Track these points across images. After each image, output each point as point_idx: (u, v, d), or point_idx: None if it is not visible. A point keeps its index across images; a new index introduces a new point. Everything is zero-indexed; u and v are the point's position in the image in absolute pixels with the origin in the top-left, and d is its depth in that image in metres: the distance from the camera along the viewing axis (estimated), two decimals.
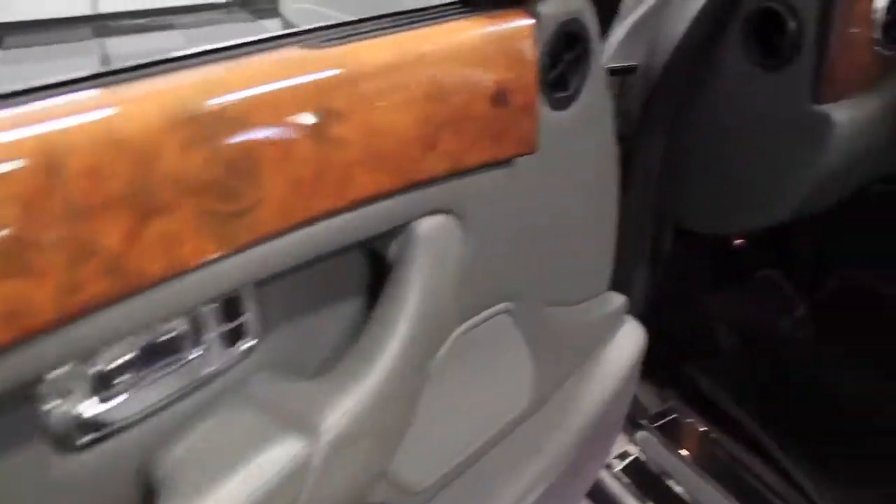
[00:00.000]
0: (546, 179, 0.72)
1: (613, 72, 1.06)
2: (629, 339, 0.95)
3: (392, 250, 0.60)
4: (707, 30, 1.03)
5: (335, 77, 0.49)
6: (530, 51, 0.62)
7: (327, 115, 0.49)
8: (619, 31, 1.05)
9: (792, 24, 0.95)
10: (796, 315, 1.58)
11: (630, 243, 1.15)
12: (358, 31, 0.54)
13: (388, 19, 0.57)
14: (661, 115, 1.09)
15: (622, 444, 1.31)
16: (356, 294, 0.65)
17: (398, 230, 0.59)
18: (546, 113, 0.67)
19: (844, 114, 0.97)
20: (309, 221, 0.50)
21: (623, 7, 1.02)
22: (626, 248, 1.03)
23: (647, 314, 1.17)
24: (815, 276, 1.61)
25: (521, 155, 0.65)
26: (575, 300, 0.84)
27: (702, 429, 1.31)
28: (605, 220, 0.85)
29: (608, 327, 0.92)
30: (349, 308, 0.65)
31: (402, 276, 0.59)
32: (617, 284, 0.92)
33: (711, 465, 1.24)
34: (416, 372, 0.63)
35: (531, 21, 0.62)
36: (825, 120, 0.97)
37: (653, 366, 1.18)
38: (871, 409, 1.33)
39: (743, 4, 1.01)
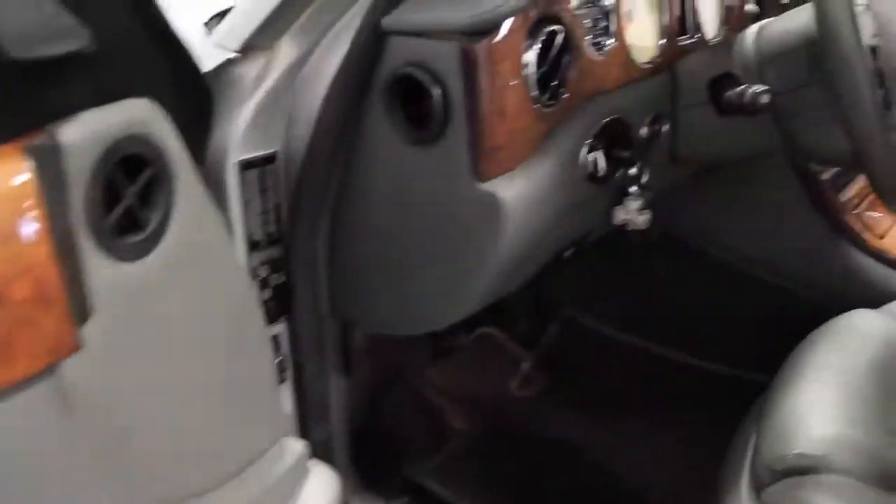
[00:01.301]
0: (131, 363, 0.58)
1: (247, 165, 0.87)
2: (317, 493, 0.80)
3: None
4: (346, 103, 0.86)
5: None
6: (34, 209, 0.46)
7: None
8: (244, 115, 0.86)
9: (436, 92, 0.79)
10: (523, 371, 1.50)
11: (308, 361, 0.98)
12: None
13: None
14: (314, 207, 0.91)
15: None
16: None
17: None
18: (111, 270, 0.54)
19: (513, 188, 0.83)
20: None
21: (241, 86, 0.85)
22: (306, 368, 0.97)
23: (357, 425, 1.07)
24: (535, 325, 1.55)
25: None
26: (238, 469, 0.72)
27: None
28: (248, 367, 0.73)
29: (288, 485, 0.78)
30: None
31: None
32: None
33: None
34: None
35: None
36: (491, 199, 0.82)
37: (376, 475, 1.09)
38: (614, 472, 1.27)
39: (380, 72, 0.84)
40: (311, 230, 0.93)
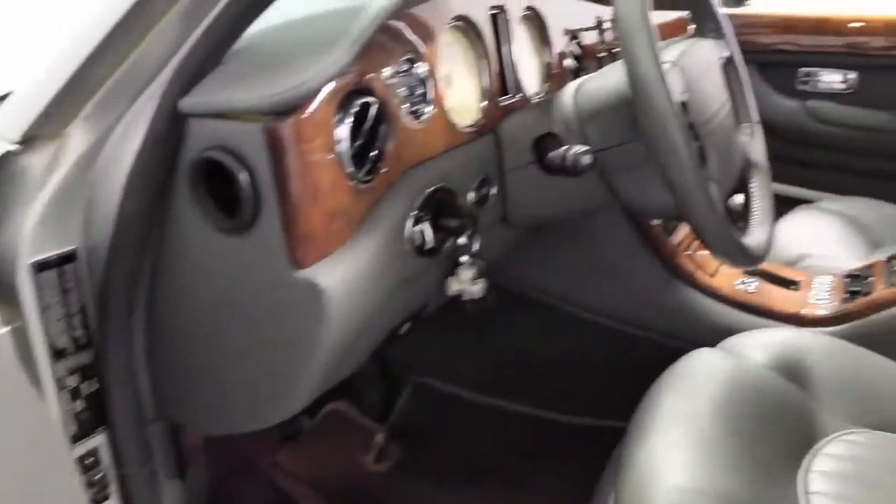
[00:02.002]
0: None
1: (42, 266, 0.78)
2: None
3: None
4: (148, 193, 0.78)
5: None
6: None
7: None
8: (33, 211, 0.77)
9: (243, 177, 0.73)
10: (376, 445, 1.44)
11: (135, 472, 0.88)
12: None
13: None
14: (124, 305, 0.82)
15: None
16: None
17: None
18: None
19: (335, 273, 0.77)
20: None
21: (27, 180, 0.77)
22: (133, 480, 0.89)
23: None
24: (385, 395, 1.50)
25: None
26: None
27: None
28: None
29: None
30: None
31: None
32: None
33: None
34: None
35: None
36: (311, 287, 0.76)
37: None
38: None
39: (183, 158, 0.78)
40: (123, 331, 0.84)
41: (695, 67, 0.98)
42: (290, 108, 0.73)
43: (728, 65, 1.15)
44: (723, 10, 2.08)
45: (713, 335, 1.16)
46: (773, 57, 2.21)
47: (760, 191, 1.12)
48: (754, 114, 1.19)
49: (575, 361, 1.41)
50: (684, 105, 0.90)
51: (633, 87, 0.82)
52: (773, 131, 2.17)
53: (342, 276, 0.78)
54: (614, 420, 1.05)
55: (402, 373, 1.50)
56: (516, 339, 1.41)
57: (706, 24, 1.15)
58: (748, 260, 0.96)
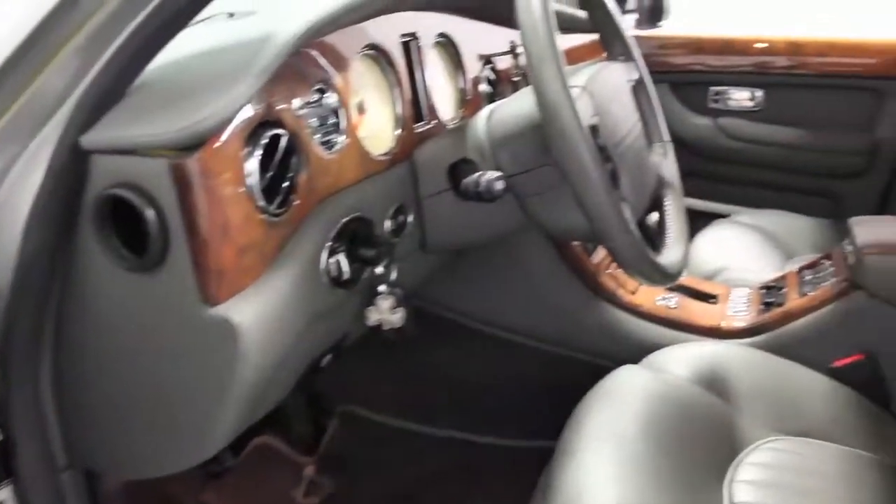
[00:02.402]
0: None
1: None
2: None
3: None
4: (51, 233, 0.75)
5: None
6: None
7: None
8: None
9: (150, 214, 0.71)
10: (306, 478, 1.41)
11: None
12: None
13: None
14: (30, 350, 0.79)
15: None
16: None
17: None
18: None
19: (249, 309, 0.76)
20: None
21: None
22: None
23: None
24: (313, 426, 1.47)
25: None
26: None
27: None
28: None
29: None
30: None
31: None
32: None
33: None
34: None
35: None
36: (225, 325, 0.74)
37: None
38: None
39: (87, 195, 0.75)
40: (29, 377, 0.81)
41: (604, 91, 1.00)
42: (196, 143, 0.71)
43: (638, 87, 1.17)
44: (637, 32, 2.16)
45: (637, 352, 1.18)
46: (686, 76, 2.27)
47: (674, 209, 1.15)
48: (665, 134, 1.22)
49: (501, 384, 1.41)
50: (595, 128, 0.91)
51: (542, 113, 0.83)
52: (688, 148, 2.24)
53: (256, 311, 0.77)
54: (542, 441, 1.05)
55: (329, 403, 1.47)
56: (442, 364, 1.40)
57: (615, 48, 1.18)
58: (664, 278, 0.97)
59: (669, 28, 2.25)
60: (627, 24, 2.11)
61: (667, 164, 1.19)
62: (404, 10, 1.04)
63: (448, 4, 1.13)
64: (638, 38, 2.23)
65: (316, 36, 0.82)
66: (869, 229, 1.28)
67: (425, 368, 1.40)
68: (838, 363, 1.22)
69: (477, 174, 0.94)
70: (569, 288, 1.33)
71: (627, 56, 1.17)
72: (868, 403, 1.15)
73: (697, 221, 1.96)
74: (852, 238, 1.26)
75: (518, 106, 0.98)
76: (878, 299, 1.20)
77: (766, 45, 2.18)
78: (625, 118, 1.04)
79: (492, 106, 1.04)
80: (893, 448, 1.06)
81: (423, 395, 1.46)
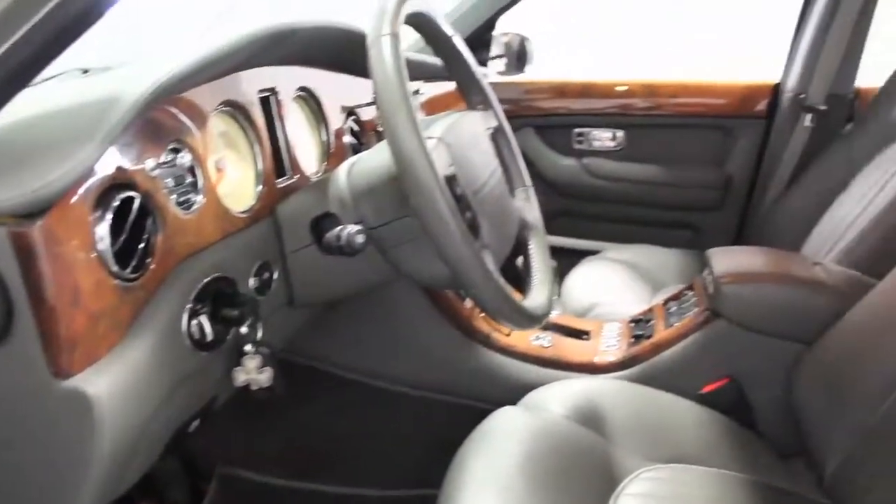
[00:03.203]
0: None
1: None
2: None
3: None
4: None
5: None
6: None
7: None
8: None
9: None
10: None
11: None
12: None
13: None
14: None
15: None
16: None
17: None
18: None
19: (105, 380, 0.72)
20: None
21: None
22: None
23: None
24: (191, 489, 1.40)
25: None
26: None
27: None
28: None
29: None
30: None
31: None
32: None
33: None
34: None
35: None
36: (78, 398, 0.70)
37: None
38: None
39: None
40: None
41: (461, 140, 1.02)
42: (39, 210, 0.68)
43: (497, 134, 1.20)
44: (503, 78, 2.23)
45: (515, 392, 1.19)
46: (551, 119, 2.36)
47: (538, 252, 1.17)
48: (527, 178, 1.25)
49: (383, 434, 1.39)
50: (453, 178, 0.93)
51: (397, 165, 0.84)
52: (556, 189, 2.32)
53: (113, 381, 0.73)
54: (427, 489, 1.04)
55: (207, 465, 1.41)
56: (321, 418, 1.37)
57: (473, 97, 1.20)
58: (530, 322, 0.99)
59: (534, 73, 2.33)
60: (494, 69, 2.19)
61: (529, 208, 1.22)
62: (259, 66, 1.03)
63: (304, 59, 1.13)
64: (504, 83, 2.31)
65: (166, 95, 0.80)
66: (724, 259, 1.35)
67: (304, 423, 1.36)
68: (706, 389, 1.27)
69: (338, 228, 0.93)
70: (443, 334, 1.33)
71: (486, 104, 1.19)
72: (736, 426, 1.21)
73: (569, 259, 2.02)
74: (710, 269, 1.33)
75: (377, 158, 0.98)
76: (737, 325, 1.26)
77: (624, 87, 2.29)
78: (484, 165, 1.06)
79: (353, 159, 1.03)
80: (762, 466, 1.11)
81: (303, 451, 1.42)
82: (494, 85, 2.30)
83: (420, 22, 1.01)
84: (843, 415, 1.03)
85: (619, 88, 2.30)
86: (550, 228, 2.37)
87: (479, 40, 2.18)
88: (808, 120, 2.07)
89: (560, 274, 1.91)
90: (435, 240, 0.84)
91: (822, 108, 2.05)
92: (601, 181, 2.33)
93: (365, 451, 1.40)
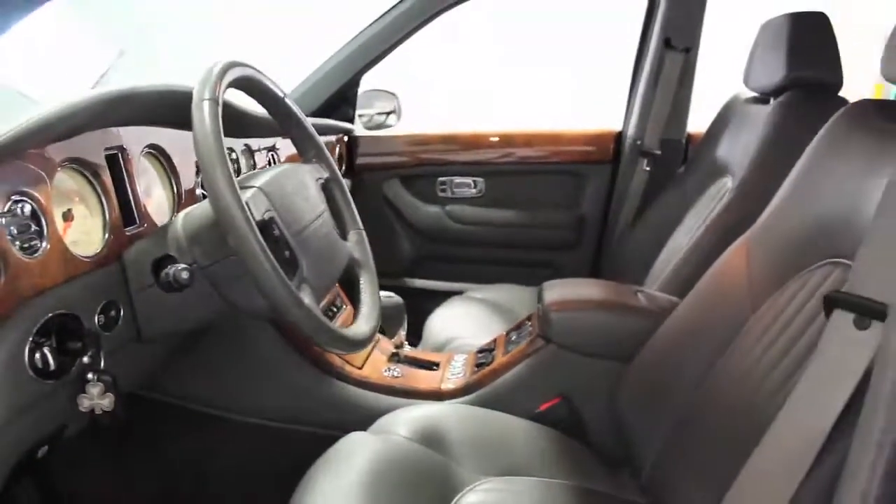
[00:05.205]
0: None
1: None
2: None
3: None
4: None
5: None
6: None
7: None
8: None
9: None
10: None
11: None
12: None
13: None
14: None
15: None
16: None
17: None
18: None
19: None
20: None
21: None
22: None
23: None
24: None
25: None
26: None
27: None
28: None
29: None
30: None
31: None
32: None
33: None
34: None
35: None
36: None
37: None
38: None
39: None
40: None
41: (285, 188, 1.13)
42: None
43: (330, 184, 1.32)
44: (371, 133, 2.36)
45: (366, 420, 1.28)
46: (416, 169, 2.50)
47: (367, 287, 1.28)
48: (358, 223, 1.36)
49: (243, 467, 1.45)
50: (271, 220, 1.05)
51: (214, 211, 0.94)
52: (422, 235, 2.45)
53: None
54: None
55: (67, 489, 1.43)
56: (182, 454, 1.42)
57: (308, 151, 1.32)
58: (349, 346, 1.10)
59: (400, 127, 2.47)
60: (360, 125, 2.33)
61: (362, 248, 1.33)
62: (104, 127, 1.10)
63: (149, 120, 1.21)
64: (371, 137, 2.44)
65: (7, 152, 0.87)
66: (554, 291, 1.49)
67: (165, 460, 1.41)
68: (542, 408, 1.40)
69: (170, 266, 1.03)
70: (297, 367, 1.42)
71: (320, 157, 1.31)
72: (566, 438, 1.33)
73: (434, 300, 2.14)
74: (541, 299, 1.46)
75: (205, 206, 1.08)
76: (564, 349, 1.40)
77: (482, 137, 2.46)
78: (308, 209, 1.17)
79: (190, 207, 1.13)
80: (587, 474, 1.24)
81: (164, 489, 1.46)
82: (362, 139, 2.45)
83: (247, 86, 1.13)
84: (657, 420, 1.17)
85: (477, 138, 2.47)
86: (418, 272, 2.54)
87: (345, 97, 2.32)
88: (645, 164, 2.29)
89: (424, 314, 2.04)
90: (251, 274, 0.95)
91: (657, 152, 2.27)
92: (464, 226, 2.48)
93: (226, 485, 1.45)
